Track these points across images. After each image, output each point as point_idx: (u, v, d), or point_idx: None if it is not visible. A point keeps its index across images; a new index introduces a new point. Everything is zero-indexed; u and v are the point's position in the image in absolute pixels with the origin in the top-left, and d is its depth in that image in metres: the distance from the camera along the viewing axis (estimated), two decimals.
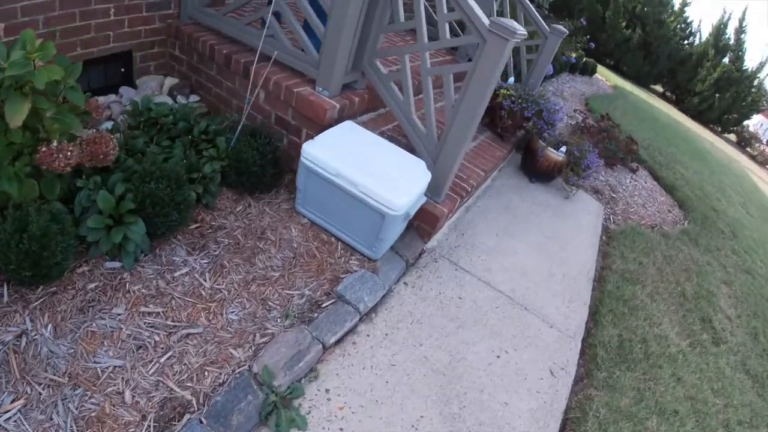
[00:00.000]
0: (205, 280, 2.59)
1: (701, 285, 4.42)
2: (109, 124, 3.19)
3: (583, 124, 5.79)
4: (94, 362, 2.06)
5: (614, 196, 5.29)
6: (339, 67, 3.09)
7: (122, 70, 3.56)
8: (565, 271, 3.72)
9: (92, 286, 2.30)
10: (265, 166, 3.07)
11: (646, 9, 17.61)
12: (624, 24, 17.48)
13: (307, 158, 2.88)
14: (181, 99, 3.59)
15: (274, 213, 3.18)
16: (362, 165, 2.84)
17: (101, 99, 3.39)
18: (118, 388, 2.02)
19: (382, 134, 3.54)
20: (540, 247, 3.88)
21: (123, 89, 3.55)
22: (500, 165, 4.54)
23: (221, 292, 2.57)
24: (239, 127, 3.17)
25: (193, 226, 2.89)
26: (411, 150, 3.27)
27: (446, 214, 3.29)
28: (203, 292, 2.52)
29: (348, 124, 3.10)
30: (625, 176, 5.93)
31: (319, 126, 3.12)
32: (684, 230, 5.38)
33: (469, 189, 3.63)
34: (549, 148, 4.41)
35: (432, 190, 3.22)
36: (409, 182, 2.87)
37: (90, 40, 3.21)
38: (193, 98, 3.67)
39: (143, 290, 2.38)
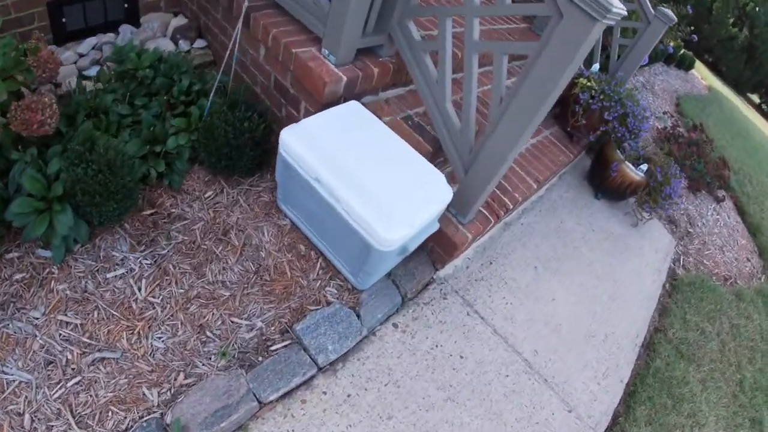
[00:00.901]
0: (140, 289, 1.96)
1: (764, 372, 3.24)
2: (94, 70, 2.53)
3: (671, 132, 4.46)
4: (3, 371, 1.68)
5: (690, 231, 4.06)
6: (352, 25, 2.12)
7: (125, 5, 2.64)
8: (609, 331, 2.72)
9: (19, 276, 1.86)
10: (242, 146, 2.12)
11: (758, 9, 14.82)
12: (731, 20, 14.81)
13: (284, 150, 1.98)
14: (183, 44, 2.71)
15: (249, 206, 2.34)
16: (353, 172, 1.93)
17: (91, 40, 2.68)
18: (20, 408, 1.62)
19: (407, 119, 2.53)
20: (586, 292, 2.85)
21: (123, 28, 2.69)
22: (562, 171, 3.34)
23: (154, 307, 1.93)
24: (211, 94, 2.20)
25: (148, 212, 2.18)
26: (437, 147, 2.32)
27: (470, 241, 2.26)
28: (133, 305, 1.91)
29: (354, 107, 2.12)
30: (708, 206, 4.59)
31: (318, 102, 2.11)
32: (760, 289, 4.06)
33: (512, 205, 2.61)
34: (627, 162, 3.28)
35: (457, 206, 2.30)
36: (413, 207, 1.94)
37: None
38: (200, 43, 2.79)
39: (68, 291, 1.86)
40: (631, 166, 3.28)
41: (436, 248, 2.36)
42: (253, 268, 2.12)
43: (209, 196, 2.28)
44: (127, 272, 1.95)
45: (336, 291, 2.15)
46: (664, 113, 5.13)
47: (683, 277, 3.41)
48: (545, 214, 3.11)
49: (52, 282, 1.85)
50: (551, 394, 2.27)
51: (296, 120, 2.16)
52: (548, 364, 2.37)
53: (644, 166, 3.31)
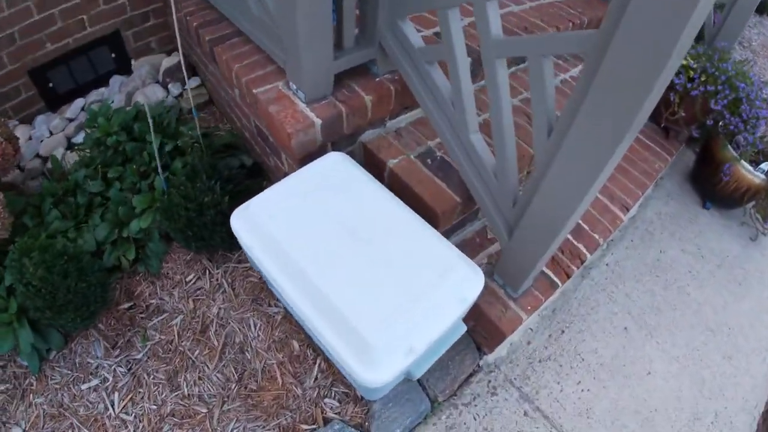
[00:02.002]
0: (113, 404, 1.54)
1: None
2: (80, 137, 2.13)
3: None
4: None
5: None
6: (313, 44, 1.40)
7: (113, 55, 2.11)
8: (719, 407, 1.82)
9: (2, 387, 1.58)
10: (210, 224, 1.46)
11: None
12: None
13: (237, 235, 1.21)
14: (173, 88, 2.11)
15: (234, 290, 1.76)
16: (318, 276, 1.16)
17: (79, 101, 2.26)
18: None
19: (426, 156, 1.74)
20: (692, 354, 1.95)
21: (113, 80, 2.16)
22: (659, 176, 2.32)
23: (126, 426, 1.50)
24: (175, 163, 1.73)
25: (126, 305, 1.72)
26: (468, 195, 1.56)
27: (522, 322, 1.43)
28: (107, 422, 1.51)
29: (333, 162, 1.43)
30: None
31: (293, 157, 1.39)
32: None
33: (589, 254, 1.82)
34: (743, 162, 2.28)
35: (504, 276, 1.57)
36: (412, 323, 1.25)
37: (58, 32, 2.11)
38: (193, 82, 2.18)
39: (45, 406, 1.53)
40: (748, 166, 2.24)
41: (479, 329, 1.57)
42: (236, 376, 1.52)
43: (190, 280, 1.71)
44: (101, 383, 1.57)
45: (338, 403, 1.48)
46: None
47: None
48: (639, 243, 2.17)
49: (31, 395, 1.55)
50: None
51: (283, 174, 1.49)
52: None
53: (766, 165, 2.27)
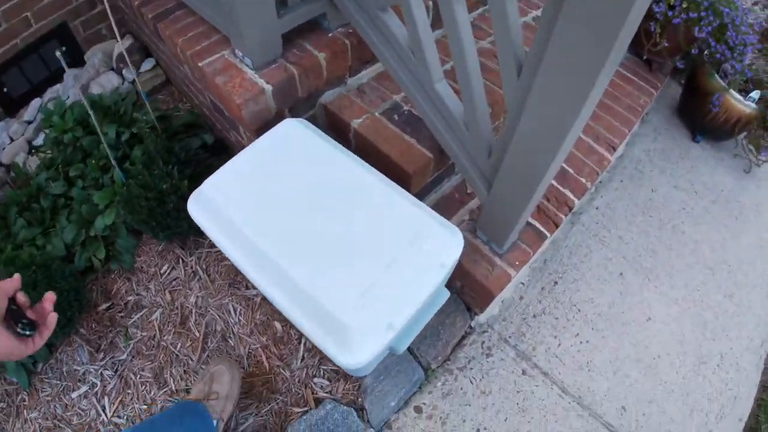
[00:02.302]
0: (104, 409, 1.46)
1: None
2: (41, 139, 1.99)
3: None
4: None
5: None
6: (253, 2, 1.22)
7: (63, 48, 1.95)
8: (724, 348, 1.73)
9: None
10: (174, 212, 1.35)
11: None
12: None
13: (196, 221, 1.11)
14: (127, 74, 1.97)
15: (210, 276, 1.64)
16: (281, 257, 1.09)
17: (36, 102, 2.06)
18: None
19: (392, 112, 1.57)
20: (692, 295, 1.84)
21: (66, 75, 2.00)
22: (644, 112, 2.16)
23: (119, 431, 1.44)
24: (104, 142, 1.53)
25: (104, 306, 1.61)
26: (439, 152, 1.43)
27: (511, 279, 1.31)
28: (101, 428, 1.43)
29: (287, 130, 1.28)
30: None
31: (248, 129, 1.25)
32: None
33: (577, 199, 1.68)
34: (731, 91, 2.11)
35: (488, 231, 1.44)
36: (387, 298, 1.09)
37: (3, 34, 1.92)
38: (147, 64, 2.00)
39: (40, 420, 1.45)
40: (737, 95, 2.09)
41: (467, 290, 1.46)
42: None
43: (165, 272, 1.60)
44: (90, 389, 1.49)
45: (328, 382, 1.39)
46: (755, 3, 3.48)
47: None
48: (628, 183, 2.03)
49: (25, 411, 1.48)
50: None
51: (242, 144, 1.37)
52: (640, 421, 1.50)
53: (755, 94, 2.11)
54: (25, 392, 1.50)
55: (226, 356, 1.41)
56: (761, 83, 2.16)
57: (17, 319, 0.69)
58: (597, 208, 1.95)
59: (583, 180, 1.71)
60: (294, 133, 1.25)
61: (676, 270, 1.82)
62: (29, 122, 2.01)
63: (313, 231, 1.09)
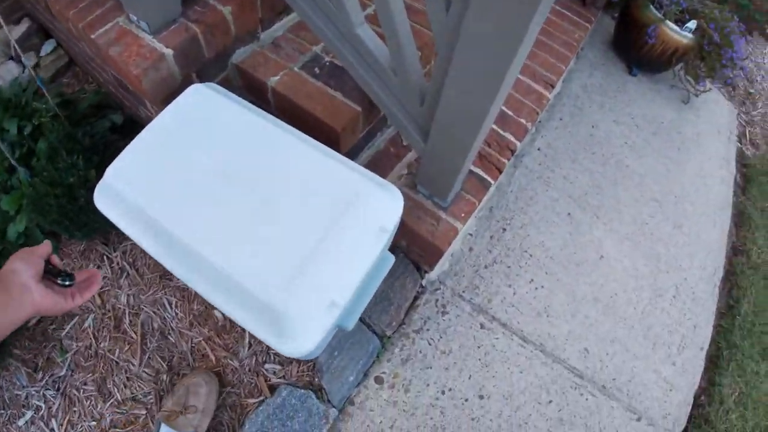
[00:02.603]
0: (54, 431, 1.28)
1: None
2: None
3: None
4: None
5: (751, 90, 2.67)
6: None
7: None
8: (679, 278, 1.73)
9: None
10: (87, 206, 1.19)
11: None
12: None
13: (105, 215, 0.96)
14: (26, 60, 1.73)
15: (138, 271, 1.48)
16: (201, 245, 0.97)
17: None
18: None
19: (312, 65, 1.40)
20: (642, 229, 1.82)
21: None
22: (580, 47, 2.10)
23: None
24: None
25: (33, 321, 1.41)
26: (369, 101, 1.30)
27: (458, 233, 1.22)
28: None
29: (196, 95, 1.06)
30: (762, 52, 3.02)
31: (152, 101, 1.06)
32: None
33: (519, 142, 1.60)
34: (667, 22, 2.04)
35: (428, 185, 1.34)
36: (323, 277, 0.96)
37: None
38: (48, 46, 1.73)
39: None
40: (673, 26, 2.04)
41: (413, 248, 1.37)
42: (165, 365, 1.32)
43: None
44: (35, 413, 1.31)
45: (280, 366, 1.30)
46: None
47: (755, 161, 2.23)
48: (569, 121, 1.98)
49: None
50: (613, 405, 1.42)
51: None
52: (604, 361, 1.48)
53: (692, 24, 2.05)
54: None
55: (203, 368, 1.29)
56: (696, 13, 2.12)
57: (56, 275, 0.74)
58: (539, 149, 1.88)
59: (523, 121, 1.63)
60: (202, 100, 1.08)
61: (624, 205, 1.79)
62: None
63: (233, 210, 0.95)
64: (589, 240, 1.67)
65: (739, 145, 2.28)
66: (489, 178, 1.45)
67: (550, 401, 1.39)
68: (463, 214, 1.37)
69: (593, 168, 1.87)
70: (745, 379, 1.57)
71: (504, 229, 1.64)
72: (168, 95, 1.16)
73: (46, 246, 0.76)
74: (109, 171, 1.00)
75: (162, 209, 0.94)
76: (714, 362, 1.60)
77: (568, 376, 1.44)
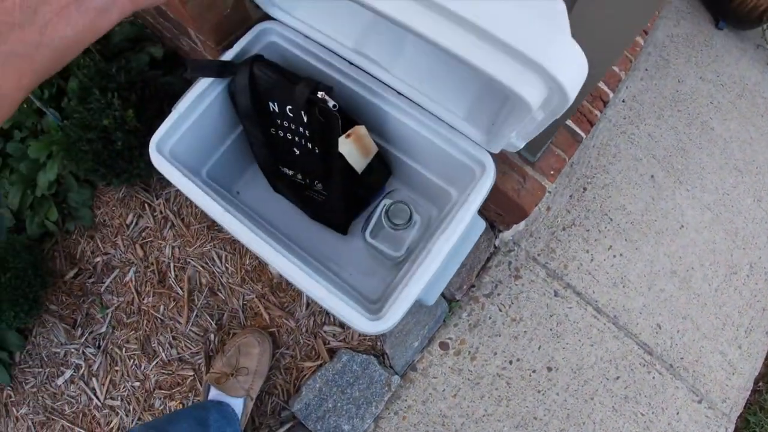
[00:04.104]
0: (95, 392, 1.17)
1: None
2: None
3: None
4: None
5: None
6: None
7: None
8: (754, 256, 1.50)
9: None
10: (125, 151, 0.97)
11: None
12: None
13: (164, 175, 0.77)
14: None
15: (185, 221, 1.25)
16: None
17: None
18: None
19: None
20: (723, 200, 1.57)
21: None
22: None
23: (117, 412, 1.15)
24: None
25: (71, 273, 1.23)
26: None
27: (545, 192, 1.03)
28: (96, 413, 1.16)
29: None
30: None
31: (198, 27, 0.81)
32: None
33: (610, 93, 1.32)
34: None
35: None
36: None
37: None
38: None
39: (31, 416, 1.17)
40: None
41: (492, 207, 1.18)
42: (213, 324, 1.12)
43: (131, 222, 1.22)
44: (75, 372, 1.19)
45: (341, 329, 1.12)
46: None
47: None
48: (654, 73, 1.71)
49: (14, 408, 1.20)
50: (678, 385, 1.29)
51: (199, 54, 0.95)
52: (674, 339, 1.32)
53: None
54: (9, 388, 1.20)
55: (255, 327, 1.12)
56: None
57: None
58: (624, 101, 1.61)
59: (616, 69, 1.38)
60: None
61: (707, 171, 1.55)
62: None
63: None
64: (671, 207, 1.45)
65: None
66: (581, 132, 1.22)
67: (618, 377, 1.25)
68: (552, 172, 1.15)
69: (678, 127, 1.61)
70: None
71: (584, 188, 1.41)
72: (216, 23, 0.89)
73: None
74: (168, 122, 0.75)
75: None
76: None
77: (638, 353, 1.28)
